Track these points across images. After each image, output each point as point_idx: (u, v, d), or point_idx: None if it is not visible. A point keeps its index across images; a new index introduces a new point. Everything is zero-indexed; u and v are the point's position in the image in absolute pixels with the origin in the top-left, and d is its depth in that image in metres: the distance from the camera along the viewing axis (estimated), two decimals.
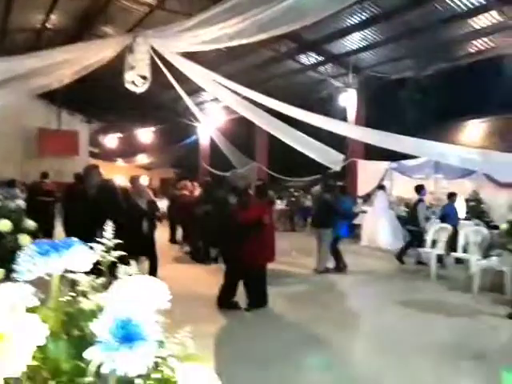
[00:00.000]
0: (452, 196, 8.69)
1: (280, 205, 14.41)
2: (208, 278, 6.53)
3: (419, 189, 8.56)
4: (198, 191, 9.64)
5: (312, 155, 12.61)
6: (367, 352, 4.36)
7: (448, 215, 8.23)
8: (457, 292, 6.43)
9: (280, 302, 5.61)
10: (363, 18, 11.02)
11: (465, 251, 7.01)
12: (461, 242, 7.00)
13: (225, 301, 5.28)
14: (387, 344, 4.36)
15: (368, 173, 12.95)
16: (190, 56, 8.09)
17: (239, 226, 5.12)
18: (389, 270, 8.00)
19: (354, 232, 10.95)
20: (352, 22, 11.36)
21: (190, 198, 9.27)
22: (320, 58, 13.67)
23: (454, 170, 10.76)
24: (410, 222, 8.53)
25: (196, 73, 8.32)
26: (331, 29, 11.84)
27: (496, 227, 7.30)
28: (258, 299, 5.29)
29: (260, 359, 3.85)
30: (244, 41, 6.43)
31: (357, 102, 14.25)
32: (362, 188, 13.12)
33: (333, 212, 7.45)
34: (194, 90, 12.93)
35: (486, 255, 6.59)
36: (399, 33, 11.34)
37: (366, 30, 11.63)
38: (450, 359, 4.02)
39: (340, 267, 7.62)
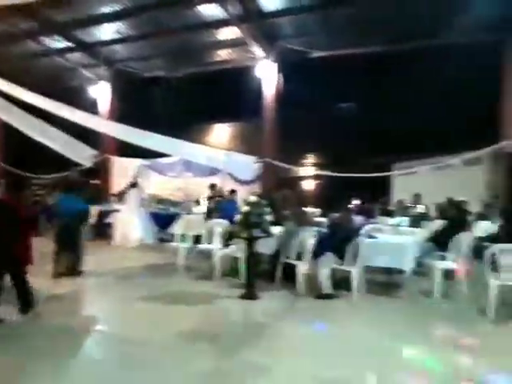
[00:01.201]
0: (232, 193, 9.30)
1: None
2: None
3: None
4: None
5: (58, 149, 11.50)
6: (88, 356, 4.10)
7: (226, 210, 8.54)
8: (202, 281, 6.84)
9: None
10: (115, 9, 10.65)
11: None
12: (204, 233, 7.52)
13: None
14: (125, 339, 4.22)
15: (123, 170, 12.65)
16: None
17: None
18: (137, 268, 7.91)
19: (105, 232, 10.52)
20: (104, 12, 10.83)
21: None
22: (70, 44, 12.55)
23: (203, 169, 11.61)
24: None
25: None
26: (83, 15, 11.01)
27: None
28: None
29: None
30: None
31: (110, 96, 13.73)
32: (117, 186, 12.74)
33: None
34: None
35: (226, 244, 7.27)
36: (150, 31, 11.46)
37: (118, 23, 11.28)
38: (187, 344, 4.19)
39: (75, 271, 6.97)
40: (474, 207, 10.29)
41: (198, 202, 11.33)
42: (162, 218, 10.26)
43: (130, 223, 10.13)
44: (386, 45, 11.13)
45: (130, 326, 4.84)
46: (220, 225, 7.51)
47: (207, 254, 7.54)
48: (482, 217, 10.01)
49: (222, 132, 17.32)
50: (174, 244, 7.99)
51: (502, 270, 5.25)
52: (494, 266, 5.33)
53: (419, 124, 12.97)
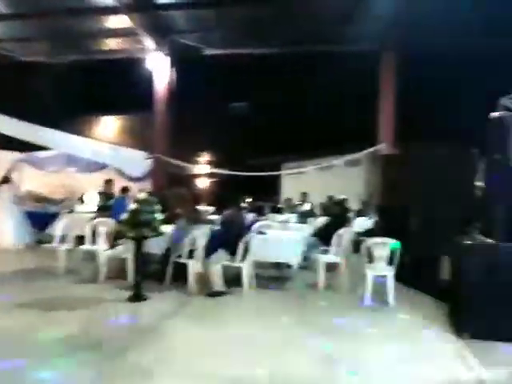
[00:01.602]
0: (124, 190, 8.72)
1: None
2: None
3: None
4: None
5: None
6: None
7: (117, 208, 7.96)
8: (85, 284, 6.36)
9: None
10: None
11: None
12: (88, 234, 7.00)
13: None
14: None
15: None
16: None
17: None
18: (10, 272, 7.08)
19: None
20: None
21: None
22: None
23: (87, 164, 10.82)
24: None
25: None
26: None
27: None
28: None
29: None
30: None
31: None
32: None
33: None
34: None
35: (114, 245, 6.85)
36: (28, 10, 10.36)
37: None
38: (68, 352, 3.83)
39: None
40: (354, 205, 11.20)
41: (82, 200, 10.52)
42: (40, 218, 9.33)
43: (0, 223, 9.03)
44: (281, 47, 11.52)
45: (1, 336, 4.27)
46: (105, 224, 7.05)
47: (92, 256, 7.03)
48: (360, 213, 10.93)
49: (109, 125, 16.36)
50: (53, 245, 7.30)
51: (376, 262, 5.76)
52: (370, 258, 5.82)
53: (308, 126, 13.71)
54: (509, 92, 4.64)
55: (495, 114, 4.55)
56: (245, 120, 15.22)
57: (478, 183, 6.32)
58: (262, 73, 13.12)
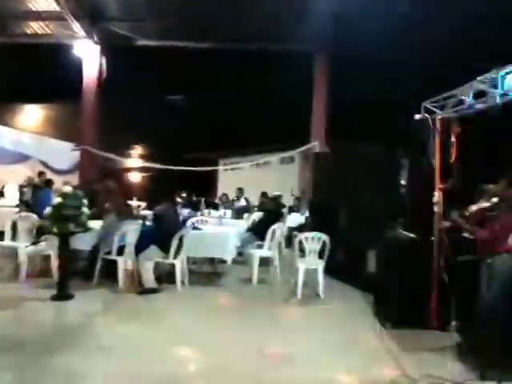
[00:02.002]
0: (48, 183, 8.14)
1: None
2: None
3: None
4: None
5: None
6: None
7: (40, 202, 7.37)
8: (3, 284, 5.91)
9: None
10: None
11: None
12: (8, 229, 6.50)
13: None
14: None
15: None
16: None
17: None
18: None
19: None
20: None
21: None
22: None
23: (7, 156, 10.06)
24: None
25: None
26: None
27: None
28: None
29: None
30: None
31: None
32: None
33: None
34: None
35: (35, 241, 6.42)
36: None
37: None
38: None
39: None
40: (289, 201, 11.46)
41: (1, 193, 9.76)
42: None
43: None
44: (217, 43, 11.43)
45: None
46: (27, 219, 6.59)
47: (12, 253, 6.53)
48: (294, 209, 11.20)
49: (33, 114, 15.27)
50: None
51: (307, 255, 5.93)
52: (301, 252, 5.98)
53: (245, 122, 13.76)
54: (431, 95, 4.95)
55: (417, 116, 4.84)
56: (180, 114, 14.93)
57: (402, 181, 6.72)
58: (199, 67, 12.93)
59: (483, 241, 3.70)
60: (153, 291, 5.73)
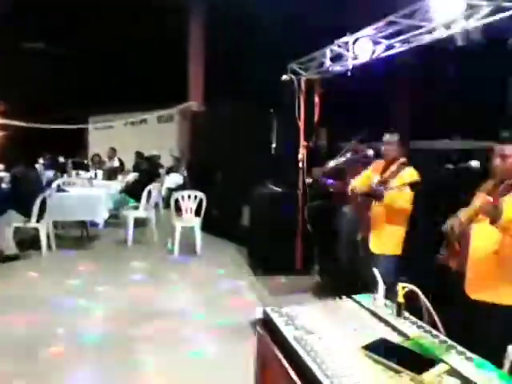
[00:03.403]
0: None
1: None
2: None
3: None
4: None
5: None
6: None
7: None
8: None
9: None
10: None
11: None
12: None
13: None
14: None
15: None
16: None
17: None
18: None
19: None
20: None
21: None
22: None
23: None
24: None
25: None
26: None
27: None
28: None
29: None
30: None
31: None
32: None
33: None
34: None
35: None
36: None
37: None
38: None
39: None
40: (167, 161, 11.24)
41: None
42: None
43: None
44: None
45: None
46: None
47: None
48: (172, 169, 11.05)
49: None
50: None
51: (184, 214, 5.97)
52: (179, 211, 5.99)
53: (119, 75, 12.84)
54: (297, 56, 5.14)
55: (284, 77, 5.04)
56: (44, 65, 13.32)
57: (273, 141, 7.02)
58: (67, 14, 11.52)
59: (337, 191, 4.13)
60: (14, 258, 5.27)
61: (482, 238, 2.38)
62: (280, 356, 1.52)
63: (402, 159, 3.23)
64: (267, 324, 1.70)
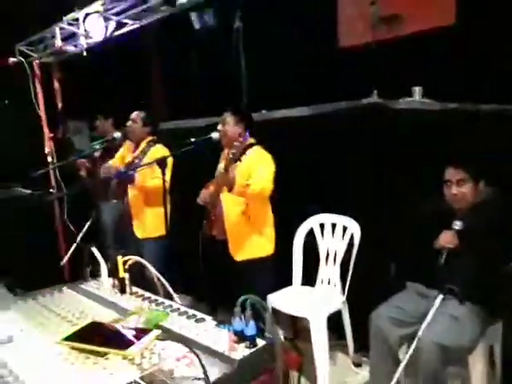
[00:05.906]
0: None
1: None
2: None
3: None
4: None
5: None
6: None
7: None
8: None
9: None
10: None
11: None
12: None
13: None
14: None
15: None
16: None
17: None
18: None
19: None
20: None
21: None
22: None
23: None
24: None
25: None
26: None
27: None
28: None
29: None
30: None
31: None
32: None
33: None
34: None
35: None
36: None
37: None
38: None
39: None
40: None
41: None
42: None
43: None
44: None
45: None
46: None
47: None
48: None
49: None
50: None
51: None
52: None
53: None
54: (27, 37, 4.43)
55: (11, 60, 4.28)
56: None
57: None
58: None
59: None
60: None
61: (230, 204, 2.55)
62: None
63: (150, 137, 3.17)
64: None
